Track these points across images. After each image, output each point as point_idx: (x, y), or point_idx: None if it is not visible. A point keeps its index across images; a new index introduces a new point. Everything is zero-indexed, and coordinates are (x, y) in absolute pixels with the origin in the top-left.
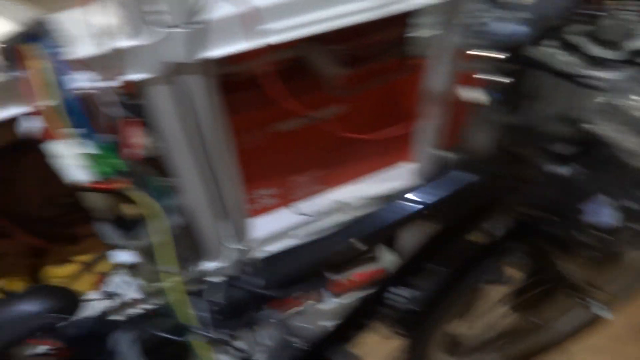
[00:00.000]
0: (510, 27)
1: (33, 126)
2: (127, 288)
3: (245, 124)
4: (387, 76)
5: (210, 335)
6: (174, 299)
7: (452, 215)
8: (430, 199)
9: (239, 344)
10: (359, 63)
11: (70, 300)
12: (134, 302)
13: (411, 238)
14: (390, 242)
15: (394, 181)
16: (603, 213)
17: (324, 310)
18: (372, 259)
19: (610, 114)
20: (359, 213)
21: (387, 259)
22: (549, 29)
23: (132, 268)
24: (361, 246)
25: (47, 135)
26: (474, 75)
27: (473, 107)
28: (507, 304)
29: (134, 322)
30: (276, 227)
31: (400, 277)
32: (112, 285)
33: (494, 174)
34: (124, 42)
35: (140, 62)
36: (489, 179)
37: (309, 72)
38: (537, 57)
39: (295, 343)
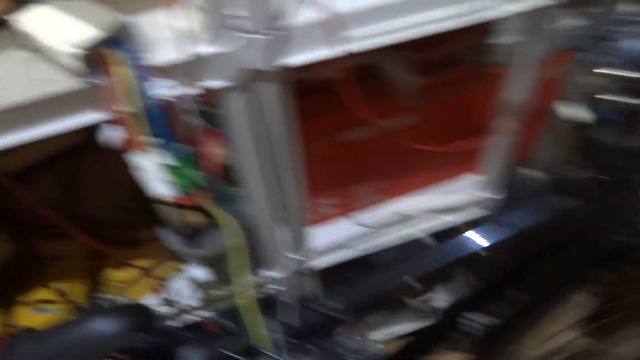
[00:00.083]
0: None
1: (113, 135)
2: (185, 295)
3: (313, 132)
4: (461, 86)
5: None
6: (247, 319)
7: (544, 242)
8: (526, 223)
9: None
10: (434, 72)
11: (147, 318)
12: (190, 310)
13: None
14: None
15: (459, 194)
16: None
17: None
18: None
19: None
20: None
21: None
22: None
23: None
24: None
25: (128, 145)
26: (597, 95)
27: (563, 123)
28: (579, 329)
29: (203, 339)
30: (335, 238)
31: (476, 303)
32: (171, 292)
33: (594, 200)
34: (205, 49)
35: (219, 69)
36: (589, 204)
37: (378, 80)
38: None
39: None
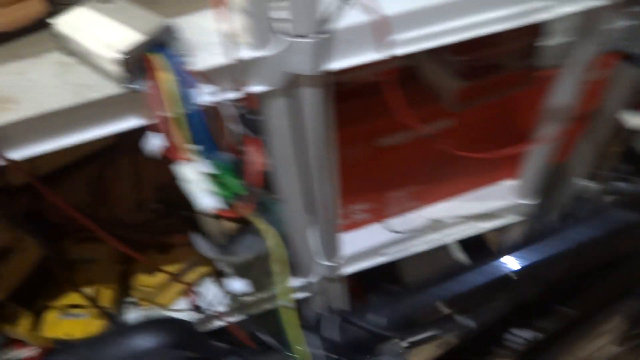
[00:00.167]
0: None
1: (156, 143)
2: (214, 300)
3: (347, 137)
4: (506, 89)
5: None
6: (287, 332)
7: (606, 256)
8: (583, 237)
9: None
10: (478, 75)
11: (188, 332)
12: (219, 315)
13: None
14: None
15: (494, 200)
16: None
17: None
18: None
19: None
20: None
21: None
22: None
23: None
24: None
25: (171, 154)
26: None
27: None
28: (623, 344)
29: (245, 354)
30: (367, 244)
31: (523, 318)
32: (200, 297)
33: None
34: (248, 53)
35: (262, 73)
36: None
37: (418, 83)
38: None
39: None
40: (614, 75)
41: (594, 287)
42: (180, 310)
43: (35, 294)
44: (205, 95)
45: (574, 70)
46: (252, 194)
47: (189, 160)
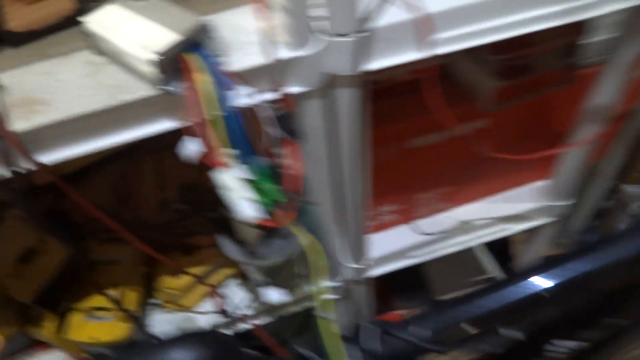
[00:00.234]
0: None
1: (193, 148)
2: (240, 303)
3: (379, 138)
4: (543, 89)
5: None
6: (328, 345)
7: None
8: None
9: None
10: (516, 74)
11: (225, 346)
12: (244, 318)
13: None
14: None
15: (526, 201)
16: None
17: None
18: None
19: None
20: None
21: None
22: None
23: (247, 286)
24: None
25: (208, 159)
26: None
27: None
28: None
29: None
30: (395, 246)
31: (567, 329)
32: (226, 301)
33: None
34: (287, 52)
35: (300, 74)
36: None
37: (452, 82)
38: None
39: None
40: None
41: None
42: (205, 312)
43: (60, 295)
44: (242, 97)
45: (617, 68)
46: (291, 200)
47: (227, 166)
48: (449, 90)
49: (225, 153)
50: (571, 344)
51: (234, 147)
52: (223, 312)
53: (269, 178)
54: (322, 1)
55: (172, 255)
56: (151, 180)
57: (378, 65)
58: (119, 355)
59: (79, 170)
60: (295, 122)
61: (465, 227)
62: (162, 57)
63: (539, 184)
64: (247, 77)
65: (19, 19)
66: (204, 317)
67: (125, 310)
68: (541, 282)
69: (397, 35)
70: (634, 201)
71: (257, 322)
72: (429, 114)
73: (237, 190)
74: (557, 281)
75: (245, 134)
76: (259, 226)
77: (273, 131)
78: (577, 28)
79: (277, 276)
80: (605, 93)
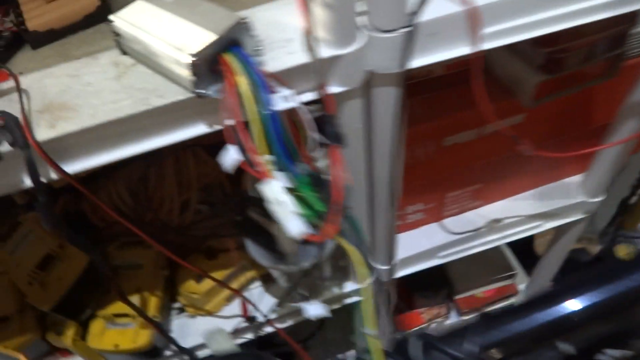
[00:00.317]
0: None
1: (234, 157)
2: (263, 307)
3: (412, 137)
4: (585, 82)
5: None
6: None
7: None
8: None
9: None
10: (560, 68)
11: None
12: (269, 322)
13: None
14: None
15: (558, 198)
16: None
17: None
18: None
19: None
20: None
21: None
22: None
23: (272, 288)
24: None
25: (249, 169)
26: None
27: None
28: None
29: None
30: (422, 246)
31: (619, 339)
32: (250, 306)
33: None
34: (330, 50)
35: (341, 72)
36: None
37: (492, 77)
38: None
39: None
40: None
41: None
42: (229, 317)
43: (80, 303)
44: (282, 99)
45: None
46: (334, 210)
47: (271, 176)
48: (487, 84)
49: (265, 160)
50: (622, 352)
51: (273, 153)
52: (248, 318)
53: (310, 186)
54: None
55: (195, 258)
56: (172, 181)
57: (424, 61)
58: None
59: (97, 172)
60: (335, 124)
61: (495, 225)
62: (198, 59)
63: (571, 180)
64: (287, 77)
65: (37, 18)
66: (227, 321)
67: (147, 317)
68: (590, 297)
69: (444, 29)
70: None
71: (282, 325)
72: (461, 110)
73: (286, 205)
74: (608, 295)
75: (285, 139)
76: (309, 242)
77: (313, 135)
78: (628, 18)
79: (304, 279)
80: None
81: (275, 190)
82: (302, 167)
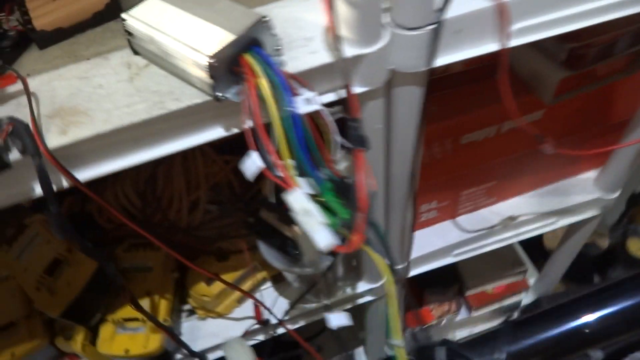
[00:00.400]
0: None
1: (257, 164)
2: (275, 308)
3: (432, 136)
4: (607, 78)
5: None
6: None
7: None
8: None
9: None
10: (583, 64)
11: None
12: (281, 324)
13: None
14: None
15: (573, 194)
16: None
17: None
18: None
19: None
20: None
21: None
22: None
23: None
24: None
25: (273, 176)
26: None
27: None
28: None
29: None
30: (436, 244)
31: None
32: (262, 307)
33: None
34: (355, 49)
35: (365, 72)
36: None
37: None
38: None
39: None
40: None
41: None
42: (240, 319)
43: (90, 308)
44: (304, 102)
45: None
46: (361, 218)
47: (296, 185)
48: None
49: (287, 165)
50: None
51: (295, 158)
52: (260, 321)
53: (332, 192)
54: None
55: (205, 260)
56: (180, 181)
57: (449, 59)
58: None
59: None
60: (360, 127)
61: (510, 223)
62: (216, 61)
63: (587, 175)
64: (310, 78)
65: (44, 17)
66: (239, 323)
67: (158, 323)
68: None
69: (471, 26)
70: None
71: (294, 326)
72: (480, 108)
73: (314, 215)
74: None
75: (308, 143)
76: (334, 253)
77: (337, 139)
78: None
79: (318, 281)
80: None
81: (302, 200)
82: (324, 172)
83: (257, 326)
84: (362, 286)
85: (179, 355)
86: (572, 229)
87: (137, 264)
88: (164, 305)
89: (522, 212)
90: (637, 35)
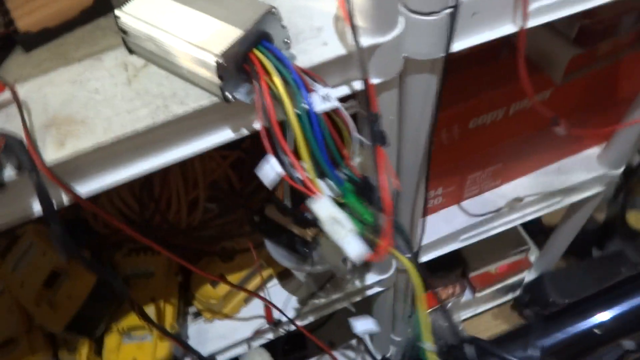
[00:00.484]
0: None
1: (276, 170)
2: (283, 305)
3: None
4: (615, 54)
5: None
6: None
7: None
8: None
9: None
10: (593, 40)
11: None
12: (290, 322)
13: None
14: None
15: (578, 172)
16: None
17: None
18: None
19: None
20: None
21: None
22: None
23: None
24: None
25: (295, 184)
26: None
27: None
28: None
29: None
30: (443, 230)
31: None
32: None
33: None
34: (369, 39)
35: (379, 62)
36: None
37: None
38: None
39: None
40: None
41: None
42: (248, 318)
43: (93, 318)
44: (321, 99)
45: None
46: (387, 222)
47: (320, 191)
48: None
49: (306, 168)
50: None
51: (314, 159)
52: (270, 321)
53: (354, 194)
54: None
55: (209, 261)
56: (177, 180)
57: (465, 44)
58: None
59: None
60: (379, 122)
61: (516, 204)
62: (224, 60)
63: (590, 152)
64: (322, 72)
65: (28, 16)
66: (247, 323)
67: (166, 332)
68: None
69: (488, 7)
70: None
71: (303, 322)
72: (487, 91)
73: (344, 224)
74: None
75: (326, 143)
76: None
77: (357, 137)
78: None
79: (334, 276)
80: None
81: (329, 208)
82: (343, 172)
83: (267, 326)
84: (371, 278)
85: None
86: (574, 206)
87: (138, 269)
88: (169, 311)
89: (527, 193)
90: None
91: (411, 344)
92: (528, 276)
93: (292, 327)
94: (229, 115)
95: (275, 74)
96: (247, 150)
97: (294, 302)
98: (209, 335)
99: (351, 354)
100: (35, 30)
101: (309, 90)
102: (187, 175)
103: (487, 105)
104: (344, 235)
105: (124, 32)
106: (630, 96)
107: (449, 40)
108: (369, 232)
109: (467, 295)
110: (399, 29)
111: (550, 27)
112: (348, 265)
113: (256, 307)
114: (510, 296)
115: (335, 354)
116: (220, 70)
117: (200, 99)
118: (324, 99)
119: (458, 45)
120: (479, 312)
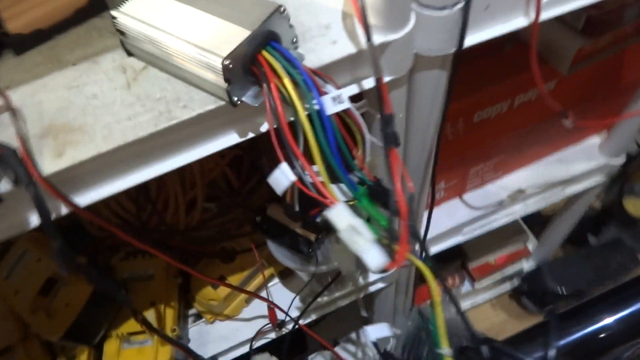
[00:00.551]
0: None
1: (288, 176)
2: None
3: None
4: (621, 44)
5: None
6: None
7: None
8: None
9: None
10: (600, 31)
11: None
12: (293, 320)
13: None
14: None
15: (579, 162)
16: None
17: None
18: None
19: None
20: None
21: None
22: None
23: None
24: None
25: (310, 191)
26: None
27: None
28: None
29: None
30: (445, 224)
31: None
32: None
33: None
34: (381, 37)
35: (391, 60)
36: None
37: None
38: None
39: None
40: None
41: None
42: (250, 319)
43: (91, 324)
44: (332, 101)
45: None
46: (405, 227)
47: (336, 199)
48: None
49: (321, 174)
50: None
51: (327, 163)
52: (273, 323)
53: (368, 198)
54: None
55: (209, 263)
56: (174, 180)
57: (477, 38)
58: None
59: None
60: (392, 123)
61: (518, 196)
62: (231, 62)
63: (591, 142)
64: (331, 71)
65: (19, 18)
66: (249, 324)
67: (167, 338)
68: None
69: (499, 0)
70: None
71: (305, 321)
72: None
73: (363, 233)
74: None
75: (338, 146)
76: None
77: (369, 138)
78: None
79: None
80: None
81: (347, 216)
82: (356, 175)
83: (270, 324)
84: (374, 274)
85: None
86: (574, 196)
87: (136, 272)
88: (169, 315)
89: (528, 184)
90: None
91: (411, 337)
92: (526, 266)
93: (295, 327)
94: (235, 118)
95: (285, 76)
96: (245, 148)
97: (296, 301)
98: (211, 337)
99: (351, 347)
100: (27, 32)
101: (321, 93)
102: (185, 175)
103: (493, 98)
104: (363, 244)
105: (122, 33)
106: (633, 85)
107: (462, 35)
108: (385, 238)
109: (466, 286)
110: (410, 26)
111: (557, 18)
112: (358, 271)
113: (258, 307)
114: (509, 286)
115: (336, 348)
116: (227, 73)
117: (205, 104)
118: (336, 100)
119: (469, 40)
120: (478, 303)
